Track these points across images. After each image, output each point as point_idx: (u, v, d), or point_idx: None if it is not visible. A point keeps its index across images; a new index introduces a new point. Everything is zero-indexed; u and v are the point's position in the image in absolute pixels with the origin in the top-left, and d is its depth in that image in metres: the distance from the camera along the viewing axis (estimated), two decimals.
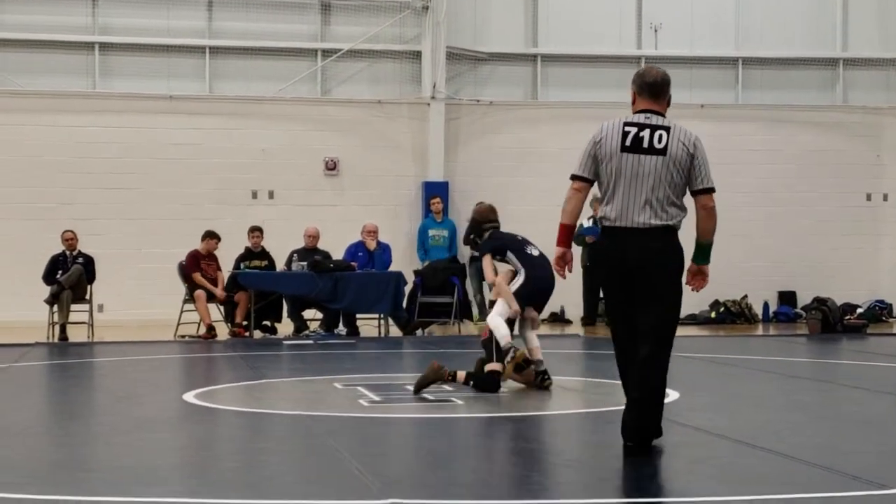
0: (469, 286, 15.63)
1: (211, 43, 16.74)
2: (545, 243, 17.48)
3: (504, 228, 10.18)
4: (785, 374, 9.74)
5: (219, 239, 14.15)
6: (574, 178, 5.73)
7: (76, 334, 13.46)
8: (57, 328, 13.35)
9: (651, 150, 5.58)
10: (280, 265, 14.32)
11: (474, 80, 17.44)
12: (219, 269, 14.11)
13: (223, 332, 13.79)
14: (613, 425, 6.84)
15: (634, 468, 5.45)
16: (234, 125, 16.65)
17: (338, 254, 14.40)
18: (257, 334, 13.80)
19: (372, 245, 14.50)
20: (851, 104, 17.93)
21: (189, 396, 7.81)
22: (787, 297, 17.38)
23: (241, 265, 14.15)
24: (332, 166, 16.85)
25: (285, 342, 13.05)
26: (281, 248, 14.62)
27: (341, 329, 13.93)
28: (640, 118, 5.67)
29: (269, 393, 8.38)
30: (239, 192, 16.54)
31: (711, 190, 5.67)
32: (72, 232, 14.05)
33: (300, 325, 13.87)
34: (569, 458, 5.71)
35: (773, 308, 17.18)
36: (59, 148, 16.20)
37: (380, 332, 14.10)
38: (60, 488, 4.88)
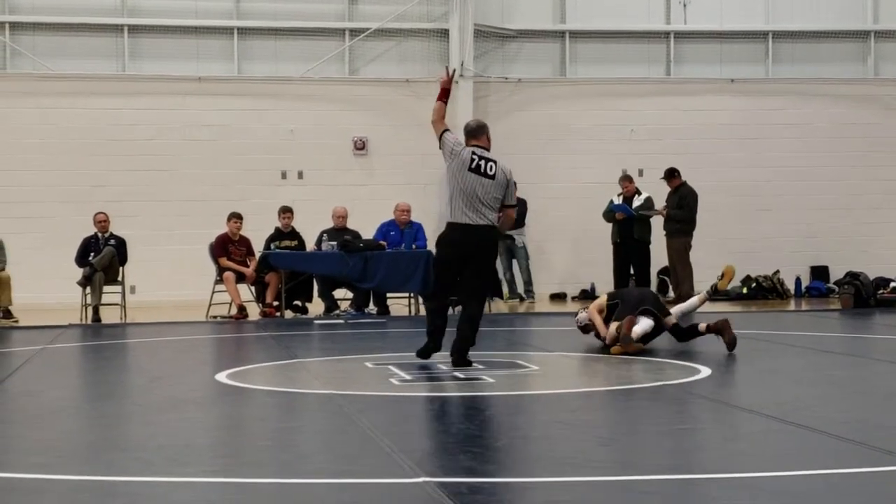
0: (499, 264, 15.60)
1: (239, 24, 16.75)
2: (573, 219, 17.44)
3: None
4: (818, 349, 9.67)
5: (240, 218, 14.14)
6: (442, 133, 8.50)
7: (109, 316, 13.55)
8: (90, 310, 13.44)
9: (486, 175, 8.32)
10: (310, 245, 14.34)
11: (502, 57, 17.36)
12: (249, 253, 14.10)
13: (254, 312, 13.84)
14: (646, 402, 6.83)
15: (667, 445, 5.42)
16: (262, 106, 16.66)
17: (367, 233, 14.40)
18: (288, 314, 13.84)
19: (404, 222, 14.43)
20: (883, 77, 17.72)
21: (221, 376, 7.84)
22: (820, 272, 17.24)
23: (272, 245, 14.18)
24: (360, 146, 16.84)
25: (316, 322, 13.08)
26: (310, 228, 14.64)
27: (372, 308, 13.94)
28: (479, 150, 8.43)
29: (300, 372, 8.39)
30: (268, 172, 16.58)
31: (514, 206, 8.57)
32: (104, 214, 14.12)
33: (331, 305, 13.90)
34: (601, 436, 5.69)
35: (805, 283, 17.06)
36: (89, 131, 16.28)
37: (410, 311, 14.10)
38: (95, 468, 4.91)
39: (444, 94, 8.61)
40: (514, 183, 8.42)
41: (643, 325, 9.03)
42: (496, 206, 8.36)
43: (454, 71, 9.60)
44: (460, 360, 8.24)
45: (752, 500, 4.21)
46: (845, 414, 6.21)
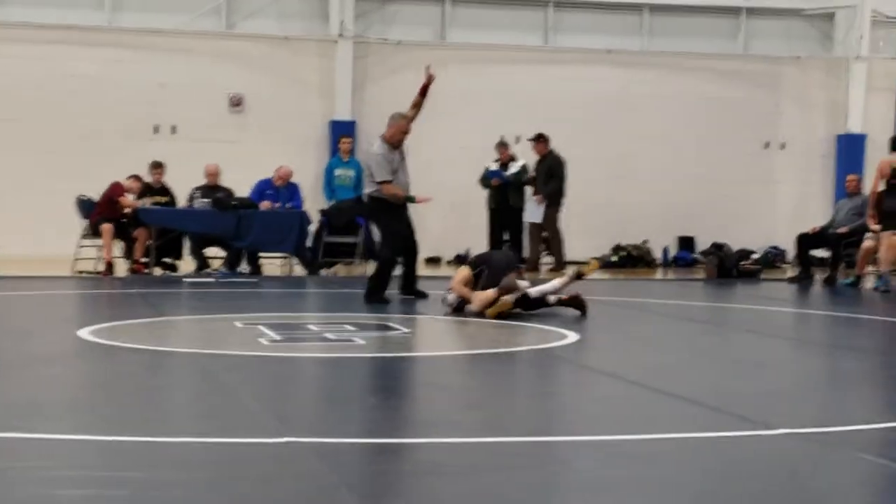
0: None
1: None
2: (450, 184, 17.43)
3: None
4: (682, 317, 9.93)
5: (139, 179, 13.80)
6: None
7: None
8: None
9: None
10: (182, 202, 14.09)
11: (382, 18, 17.25)
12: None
13: (122, 269, 13.55)
14: (513, 365, 6.93)
15: (532, 408, 5.52)
16: (135, 58, 16.26)
17: (242, 191, 14.22)
18: (157, 272, 13.60)
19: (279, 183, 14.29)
20: (752, 53, 18.19)
21: (84, 333, 7.66)
22: (686, 242, 17.70)
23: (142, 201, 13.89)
24: (236, 102, 16.59)
25: (186, 280, 12.88)
26: (183, 184, 14.38)
27: (244, 268, 13.81)
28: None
29: (167, 331, 8.29)
30: (140, 126, 16.22)
31: (384, 182, 10.20)
32: None
33: (202, 263, 13.71)
34: (469, 398, 5.75)
35: (672, 252, 17.48)
36: None
37: (283, 272, 14.00)
38: None
39: (423, 91, 10.50)
40: (375, 160, 10.23)
41: (522, 283, 9.20)
42: (372, 183, 10.32)
43: (430, 67, 10.59)
44: (365, 296, 10.25)
45: (610, 460, 4.31)
46: (705, 380, 6.40)
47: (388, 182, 10.24)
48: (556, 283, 9.44)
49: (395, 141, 10.35)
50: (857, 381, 6.62)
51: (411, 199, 10.42)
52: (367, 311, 9.72)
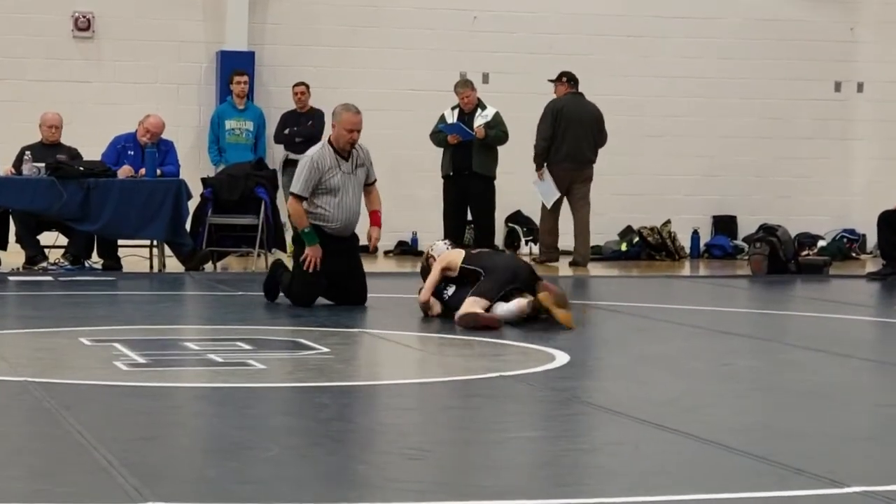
0: (281, 201, 15.53)
1: None
2: (388, 140, 17.44)
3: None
4: (716, 329, 9.99)
5: None
6: None
7: None
8: None
9: None
10: (5, 167, 14.04)
11: None
12: None
13: None
14: (476, 399, 6.96)
15: (499, 459, 5.54)
16: None
17: (92, 152, 14.18)
18: None
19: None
20: None
21: None
22: (725, 224, 17.79)
23: None
24: (84, 25, 16.51)
25: (12, 278, 12.86)
26: (8, 142, 14.32)
27: (95, 261, 13.78)
28: None
29: None
30: None
31: (294, 195, 10.56)
32: None
33: (35, 255, 13.68)
34: (410, 446, 5.76)
35: (704, 238, 17.57)
36: None
37: (151, 266, 14.00)
38: None
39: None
40: (300, 164, 10.72)
41: (508, 308, 9.28)
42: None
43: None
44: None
45: None
46: (744, 418, 6.44)
47: (301, 199, 10.36)
48: (513, 307, 9.41)
49: (340, 144, 10.44)
50: None
51: (310, 239, 10.34)
52: (269, 322, 9.69)
